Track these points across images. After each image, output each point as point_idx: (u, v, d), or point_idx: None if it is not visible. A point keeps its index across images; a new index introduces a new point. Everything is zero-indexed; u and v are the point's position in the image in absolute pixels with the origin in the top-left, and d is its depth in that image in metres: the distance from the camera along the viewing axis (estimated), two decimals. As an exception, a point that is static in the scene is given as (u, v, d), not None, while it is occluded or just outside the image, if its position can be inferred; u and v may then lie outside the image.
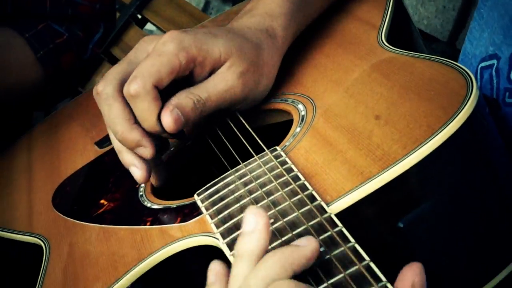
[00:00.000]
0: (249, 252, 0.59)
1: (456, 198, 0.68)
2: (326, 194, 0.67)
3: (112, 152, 0.93)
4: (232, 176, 0.74)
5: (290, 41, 0.89)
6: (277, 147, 0.75)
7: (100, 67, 1.30)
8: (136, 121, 0.78)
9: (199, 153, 0.89)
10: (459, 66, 0.73)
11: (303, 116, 0.79)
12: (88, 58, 1.23)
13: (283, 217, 0.65)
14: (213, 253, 0.68)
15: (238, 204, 0.70)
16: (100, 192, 0.87)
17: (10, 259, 0.93)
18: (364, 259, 0.57)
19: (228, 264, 0.64)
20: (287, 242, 0.62)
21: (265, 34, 0.85)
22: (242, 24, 0.86)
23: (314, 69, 0.87)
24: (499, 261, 0.71)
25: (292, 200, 0.66)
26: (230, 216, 0.69)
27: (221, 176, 0.75)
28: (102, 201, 0.84)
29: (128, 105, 0.78)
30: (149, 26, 1.44)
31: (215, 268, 0.61)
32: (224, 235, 0.67)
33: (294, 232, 0.63)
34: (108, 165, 0.92)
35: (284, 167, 0.71)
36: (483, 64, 0.80)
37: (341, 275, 0.57)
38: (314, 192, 0.66)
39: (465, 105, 0.67)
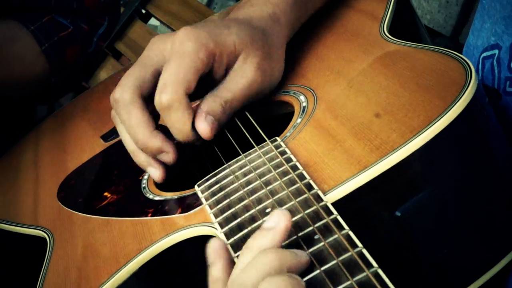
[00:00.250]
0: (259, 247, 0.58)
1: (455, 187, 0.68)
2: (324, 183, 0.67)
3: (117, 145, 0.94)
4: (232, 167, 0.74)
5: (294, 26, 0.88)
6: (277, 138, 0.75)
7: (104, 62, 1.30)
8: (156, 127, 0.78)
9: (202, 146, 0.89)
10: (458, 56, 0.72)
11: (304, 107, 0.79)
12: (93, 52, 1.23)
13: (280, 205, 0.65)
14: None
15: (237, 194, 0.70)
16: (104, 185, 0.87)
17: (15, 252, 0.94)
18: (357, 246, 0.57)
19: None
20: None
21: (269, 20, 0.85)
22: (245, 13, 0.85)
23: (316, 61, 0.87)
24: (499, 249, 0.70)
25: (290, 189, 0.67)
26: (229, 206, 0.69)
27: (222, 167, 0.75)
28: (105, 193, 0.85)
29: (147, 111, 0.78)
30: (153, 21, 1.44)
31: (214, 246, 0.61)
32: (222, 224, 0.67)
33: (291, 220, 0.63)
34: (112, 158, 0.93)
35: (283, 157, 0.71)
36: (485, 54, 0.80)
37: (333, 262, 0.56)
38: (311, 181, 0.67)
39: (463, 94, 0.67)
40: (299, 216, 0.63)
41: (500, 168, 0.72)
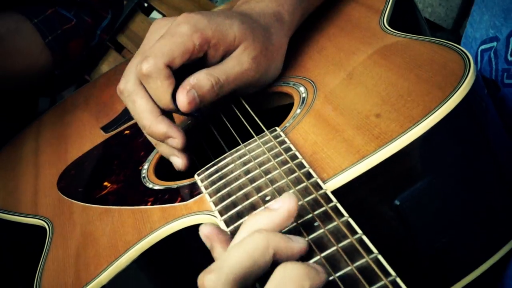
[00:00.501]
0: (255, 226, 0.58)
1: (454, 176, 0.68)
2: (323, 172, 0.67)
3: (118, 136, 0.95)
4: (232, 156, 0.74)
5: (296, 26, 0.89)
6: (276, 128, 0.76)
7: (106, 55, 1.31)
8: (162, 113, 0.79)
9: (202, 137, 0.89)
10: (457, 47, 0.73)
11: (303, 98, 0.80)
12: (96, 45, 1.23)
13: (279, 194, 0.65)
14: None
15: (236, 183, 0.70)
16: (104, 175, 0.87)
17: (15, 242, 0.94)
18: (356, 233, 0.58)
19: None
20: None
21: (273, 18, 0.85)
22: (250, 8, 0.86)
23: (317, 53, 0.88)
24: (498, 239, 0.71)
25: (289, 177, 0.67)
26: (229, 194, 0.69)
27: (221, 157, 0.75)
28: (105, 183, 0.85)
29: (150, 98, 0.79)
30: (155, 14, 1.45)
31: (205, 232, 0.62)
32: (221, 212, 0.68)
33: (289, 208, 0.63)
34: (113, 149, 0.93)
35: (283, 146, 0.72)
36: (483, 46, 0.80)
37: (333, 248, 0.57)
38: (311, 170, 0.67)
39: (461, 85, 0.68)
40: (298, 203, 0.63)
41: (499, 159, 0.73)
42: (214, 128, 0.86)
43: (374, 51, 0.81)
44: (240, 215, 0.66)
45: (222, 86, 0.79)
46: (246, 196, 0.68)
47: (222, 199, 0.69)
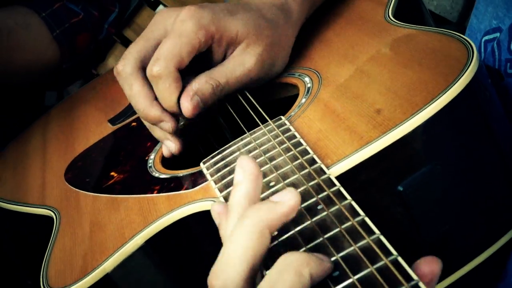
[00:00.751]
0: (236, 203, 0.59)
1: (457, 163, 0.69)
2: (327, 158, 0.68)
3: (124, 128, 0.96)
4: (237, 144, 0.75)
5: (305, 18, 0.90)
6: (282, 117, 0.77)
7: (112, 49, 1.31)
8: (156, 98, 0.81)
9: (208, 127, 0.90)
10: (460, 36, 0.74)
11: (309, 88, 0.80)
12: (103, 38, 1.24)
13: (284, 179, 0.66)
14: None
15: (241, 170, 0.71)
16: (110, 165, 0.88)
17: (23, 232, 0.95)
18: (359, 215, 0.58)
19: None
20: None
21: (280, 10, 0.86)
22: (257, 0, 0.87)
23: (322, 45, 0.88)
24: (500, 227, 0.71)
25: (294, 163, 0.68)
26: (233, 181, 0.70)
27: (227, 145, 0.76)
28: (112, 173, 0.86)
29: (147, 83, 0.81)
30: (161, 8, 1.45)
31: (215, 209, 0.63)
32: (226, 198, 0.68)
33: (293, 193, 0.64)
34: (119, 140, 0.94)
35: (287, 134, 0.72)
36: (486, 37, 0.81)
37: (336, 230, 0.57)
38: (315, 156, 0.68)
39: (465, 72, 0.68)
40: (302, 188, 0.64)
41: (502, 148, 0.73)
42: (221, 118, 0.86)
43: (379, 42, 0.81)
44: (244, 201, 0.66)
45: (223, 88, 0.81)
46: (251, 182, 0.68)
47: (227, 185, 0.70)
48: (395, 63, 0.76)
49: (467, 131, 0.70)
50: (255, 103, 0.82)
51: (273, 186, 0.66)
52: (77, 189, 0.87)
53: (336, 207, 0.60)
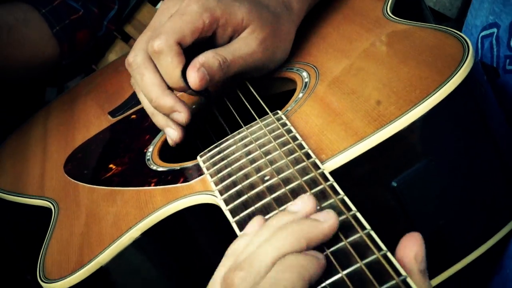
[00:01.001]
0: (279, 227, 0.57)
1: (452, 160, 0.69)
2: (322, 153, 0.68)
3: (124, 120, 0.96)
4: (234, 138, 0.76)
5: (304, 14, 0.90)
6: (278, 111, 0.77)
7: (113, 45, 1.32)
8: (169, 87, 0.81)
9: (206, 121, 0.91)
10: (456, 33, 0.74)
11: (306, 83, 0.81)
12: (103, 35, 1.25)
13: (278, 174, 0.67)
14: (214, 213, 0.70)
15: (237, 164, 0.71)
16: (109, 157, 0.89)
17: (20, 224, 0.96)
18: (351, 210, 0.59)
19: (225, 223, 0.66)
20: (279, 198, 0.64)
21: (282, 6, 0.87)
22: None
23: (321, 40, 0.89)
24: (495, 223, 0.72)
25: (289, 158, 0.68)
26: (229, 175, 0.70)
27: (223, 139, 0.77)
28: (111, 165, 0.86)
29: (158, 72, 0.81)
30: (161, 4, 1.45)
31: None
32: (222, 192, 0.69)
33: (287, 187, 0.64)
34: (119, 132, 0.95)
35: (284, 128, 0.73)
36: (483, 33, 0.81)
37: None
38: (309, 151, 0.68)
39: (460, 68, 0.68)
40: (296, 182, 0.64)
41: (498, 145, 0.73)
42: (218, 112, 0.87)
43: (376, 38, 0.82)
44: (239, 194, 0.67)
45: (229, 65, 0.81)
46: (246, 176, 0.69)
47: (223, 179, 0.70)
48: (391, 59, 0.76)
49: (462, 127, 0.70)
50: (255, 94, 0.82)
51: (267, 181, 0.67)
52: (76, 181, 0.87)
53: (329, 201, 0.60)
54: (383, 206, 0.68)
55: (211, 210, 0.71)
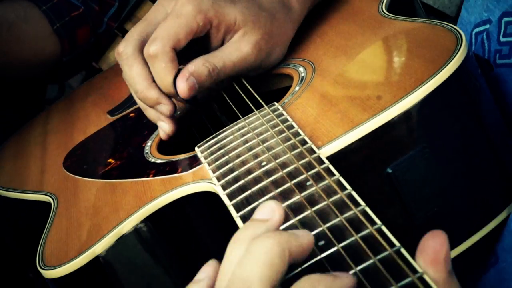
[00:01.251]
0: (251, 237, 0.53)
1: (445, 148, 0.70)
2: (318, 140, 0.69)
3: (123, 118, 0.97)
4: (232, 129, 0.77)
5: (305, 14, 0.92)
6: (275, 103, 0.78)
7: (114, 43, 1.33)
8: (154, 80, 0.82)
9: (205, 115, 0.92)
10: (450, 26, 0.75)
11: (302, 77, 0.82)
12: (103, 32, 1.26)
13: (275, 159, 0.68)
14: (212, 202, 0.71)
15: (234, 152, 0.72)
16: (108, 153, 0.90)
17: (23, 222, 0.97)
18: (346, 189, 0.60)
19: (224, 212, 0.67)
20: (276, 181, 0.65)
21: (281, 5, 0.88)
22: None
23: (317, 38, 0.90)
24: (488, 211, 0.73)
25: (285, 144, 0.69)
26: (227, 162, 0.71)
27: (221, 130, 0.78)
28: (110, 160, 0.88)
29: (147, 65, 0.82)
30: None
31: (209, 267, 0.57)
32: (219, 178, 0.70)
33: (284, 171, 0.65)
34: (118, 129, 0.96)
35: (280, 118, 0.74)
36: (477, 29, 0.83)
37: (324, 203, 0.59)
38: (306, 138, 0.69)
39: (453, 57, 0.70)
40: (292, 166, 0.65)
41: (491, 136, 0.75)
42: (216, 105, 0.88)
43: (372, 33, 0.83)
44: (237, 179, 0.68)
45: (219, 72, 0.82)
46: (244, 163, 0.70)
47: (220, 166, 0.72)
48: (387, 52, 0.78)
49: (455, 116, 0.71)
50: (250, 89, 0.83)
51: (264, 166, 0.68)
52: (75, 176, 0.89)
53: (325, 182, 0.61)
54: (379, 192, 0.69)
55: (209, 198, 0.72)
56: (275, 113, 0.76)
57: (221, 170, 0.71)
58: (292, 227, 0.58)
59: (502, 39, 0.79)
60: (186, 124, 0.92)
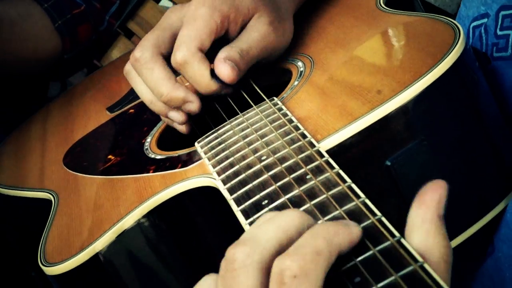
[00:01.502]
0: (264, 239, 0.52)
1: (443, 140, 0.71)
2: (317, 133, 0.70)
3: (122, 115, 0.98)
4: (231, 124, 0.77)
5: (300, 4, 0.93)
6: (274, 97, 0.79)
7: (116, 41, 1.33)
8: (177, 80, 0.82)
9: (205, 111, 0.92)
10: (447, 19, 0.76)
11: (301, 72, 0.83)
12: (105, 30, 1.26)
13: (274, 153, 0.68)
14: (213, 197, 0.71)
15: (234, 147, 0.73)
16: (108, 149, 0.90)
17: (24, 221, 0.97)
18: (346, 181, 0.60)
19: (224, 207, 0.67)
20: (276, 175, 0.65)
21: None
22: None
23: (315, 33, 0.91)
24: (486, 202, 0.73)
25: (285, 139, 0.70)
26: (226, 157, 0.72)
27: (220, 125, 0.78)
28: (109, 156, 0.88)
29: (167, 66, 0.82)
30: (164, 1, 1.47)
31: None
32: (219, 173, 0.70)
33: (283, 165, 0.66)
34: (117, 126, 0.96)
35: (280, 112, 0.74)
36: (474, 23, 0.83)
37: (323, 196, 0.59)
38: (305, 132, 0.70)
39: (451, 51, 0.70)
40: (292, 160, 0.66)
41: (490, 128, 0.75)
42: (216, 102, 0.88)
43: (370, 27, 0.84)
44: (237, 174, 0.68)
45: (248, 53, 0.82)
46: (243, 157, 0.70)
47: (220, 161, 0.72)
48: (385, 46, 0.78)
49: (453, 109, 0.72)
50: (251, 82, 0.84)
51: (264, 160, 0.68)
52: (75, 172, 0.89)
53: (324, 175, 0.62)
54: (378, 185, 0.69)
55: (210, 193, 0.72)
56: (275, 107, 0.76)
57: (221, 165, 0.71)
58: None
59: (499, 33, 0.79)
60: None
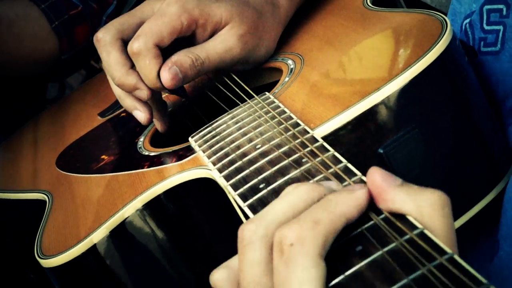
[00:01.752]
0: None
1: (433, 128, 0.72)
2: (310, 122, 0.71)
3: (114, 119, 0.99)
4: (224, 118, 0.79)
5: (293, 12, 0.94)
6: (266, 92, 0.80)
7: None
8: (132, 66, 0.84)
9: (199, 108, 0.94)
10: (434, 13, 0.78)
11: (292, 69, 0.84)
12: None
13: (269, 141, 0.69)
14: (208, 189, 0.72)
15: (229, 138, 0.74)
16: (101, 150, 0.91)
17: (19, 222, 0.97)
18: (341, 162, 0.61)
19: (221, 197, 0.68)
20: (271, 161, 0.66)
21: (268, 3, 0.90)
22: None
23: (304, 32, 0.92)
24: (477, 191, 0.75)
25: (279, 128, 0.71)
26: (221, 148, 0.73)
27: (214, 120, 0.80)
28: (103, 156, 0.89)
29: (125, 52, 0.84)
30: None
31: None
32: (215, 162, 0.71)
33: (279, 150, 0.67)
34: (110, 128, 0.97)
35: (272, 105, 0.76)
36: (467, 20, 0.85)
37: (321, 176, 0.61)
38: (299, 121, 0.71)
39: (439, 41, 0.72)
40: (287, 146, 0.67)
41: (478, 119, 0.77)
42: (210, 100, 0.90)
43: (358, 25, 0.86)
44: (232, 162, 0.69)
45: (203, 63, 0.84)
46: (238, 147, 0.71)
47: (215, 151, 0.73)
48: (373, 40, 0.80)
49: (442, 98, 0.73)
50: (240, 81, 0.85)
51: (259, 148, 0.69)
52: (68, 173, 0.90)
53: (319, 158, 0.63)
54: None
55: (205, 185, 0.73)
56: (267, 101, 0.77)
57: (216, 155, 0.72)
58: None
59: (486, 27, 0.81)
60: (179, 119, 0.93)
